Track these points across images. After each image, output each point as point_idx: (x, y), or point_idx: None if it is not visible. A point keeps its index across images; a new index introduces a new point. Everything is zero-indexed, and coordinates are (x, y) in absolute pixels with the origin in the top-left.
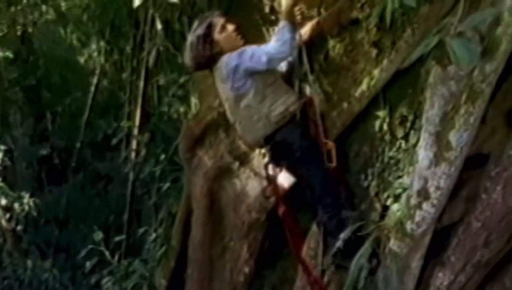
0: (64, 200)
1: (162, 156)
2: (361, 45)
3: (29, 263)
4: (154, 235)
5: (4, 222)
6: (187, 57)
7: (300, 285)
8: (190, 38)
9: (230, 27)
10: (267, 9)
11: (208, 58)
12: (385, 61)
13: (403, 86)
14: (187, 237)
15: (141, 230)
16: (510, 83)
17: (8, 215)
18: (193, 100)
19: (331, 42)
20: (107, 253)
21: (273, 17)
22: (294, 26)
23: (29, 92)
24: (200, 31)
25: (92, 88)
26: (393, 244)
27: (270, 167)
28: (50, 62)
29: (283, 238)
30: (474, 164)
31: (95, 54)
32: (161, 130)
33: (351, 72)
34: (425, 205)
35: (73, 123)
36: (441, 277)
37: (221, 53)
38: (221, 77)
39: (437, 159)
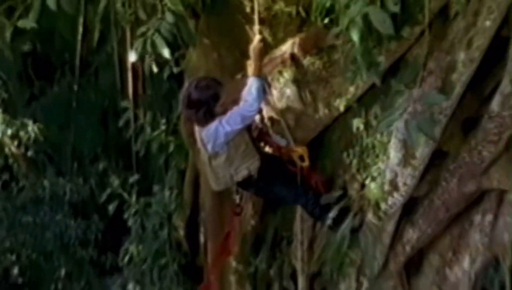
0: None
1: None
2: (338, 63)
3: (46, 182)
4: (168, 192)
5: (13, 149)
6: (182, 106)
7: (299, 231)
8: (192, 93)
9: (228, 100)
10: (248, 9)
11: (200, 121)
12: (359, 81)
13: (376, 93)
14: (197, 191)
15: (155, 188)
16: (468, 99)
17: (16, 142)
18: None
19: (311, 59)
20: (125, 195)
21: (254, 17)
22: (261, 80)
23: None
24: (203, 95)
25: None
26: (371, 217)
27: (237, 196)
28: None
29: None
30: (437, 156)
31: None
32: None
33: (330, 84)
34: (395, 194)
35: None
36: (411, 233)
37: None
38: (202, 137)
39: (404, 161)
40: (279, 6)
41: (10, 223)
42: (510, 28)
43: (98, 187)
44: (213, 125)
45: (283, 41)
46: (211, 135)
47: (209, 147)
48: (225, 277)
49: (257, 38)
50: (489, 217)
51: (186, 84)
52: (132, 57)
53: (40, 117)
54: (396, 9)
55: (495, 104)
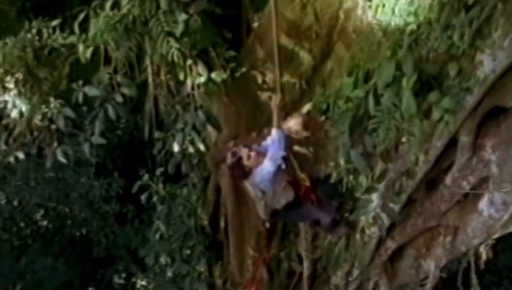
0: None
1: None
2: (332, 138)
3: (69, 150)
4: (194, 196)
5: (38, 122)
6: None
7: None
8: (228, 161)
9: (252, 154)
10: (260, 81)
11: (243, 176)
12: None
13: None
14: (219, 195)
15: (184, 191)
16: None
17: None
18: (209, 128)
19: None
20: (153, 185)
21: (265, 86)
22: (282, 131)
23: None
24: (232, 161)
25: None
26: (359, 238)
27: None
28: None
29: None
30: (408, 201)
31: None
32: None
33: (326, 149)
34: (376, 227)
35: None
36: (391, 243)
37: (251, 170)
38: (252, 184)
39: (383, 208)
40: (286, 78)
41: (42, 189)
42: (456, 138)
43: (108, 130)
44: (257, 174)
45: (289, 102)
46: (261, 180)
47: (263, 187)
48: (244, 262)
49: (277, 97)
50: (449, 238)
51: None
52: (175, 148)
53: None
54: (371, 149)
55: (448, 180)
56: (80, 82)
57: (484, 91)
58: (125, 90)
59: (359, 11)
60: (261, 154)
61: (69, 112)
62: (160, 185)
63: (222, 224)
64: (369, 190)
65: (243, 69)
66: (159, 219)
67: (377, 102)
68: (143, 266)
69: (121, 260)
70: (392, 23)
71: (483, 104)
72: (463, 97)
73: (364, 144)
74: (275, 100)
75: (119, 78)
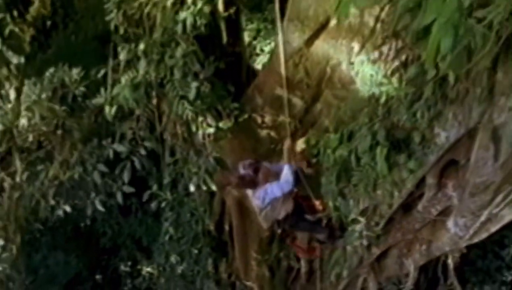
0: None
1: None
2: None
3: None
4: (201, 208)
5: (44, 128)
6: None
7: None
8: (241, 171)
9: (265, 171)
10: (259, 121)
11: (252, 186)
12: None
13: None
14: (224, 207)
15: (192, 204)
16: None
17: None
18: None
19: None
20: (162, 193)
21: (264, 125)
22: (292, 166)
23: None
24: (248, 172)
25: None
26: (347, 249)
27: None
28: None
29: None
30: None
31: None
32: None
33: (316, 182)
34: (364, 241)
35: None
36: (376, 250)
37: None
38: (253, 199)
39: (366, 236)
40: (282, 118)
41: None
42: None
43: None
44: (262, 191)
45: (283, 138)
46: (261, 198)
47: (258, 203)
48: (248, 262)
49: (288, 142)
50: (424, 247)
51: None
52: (191, 188)
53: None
54: (354, 193)
55: (420, 207)
56: (109, 140)
57: (443, 152)
58: (147, 144)
59: (344, 67)
60: (271, 173)
61: (102, 167)
62: (168, 193)
63: (226, 228)
64: (354, 222)
65: (245, 116)
66: (166, 221)
67: (358, 161)
68: (147, 254)
69: (126, 248)
70: (370, 92)
71: (443, 158)
72: (426, 157)
73: (349, 187)
74: (286, 144)
75: (141, 132)
